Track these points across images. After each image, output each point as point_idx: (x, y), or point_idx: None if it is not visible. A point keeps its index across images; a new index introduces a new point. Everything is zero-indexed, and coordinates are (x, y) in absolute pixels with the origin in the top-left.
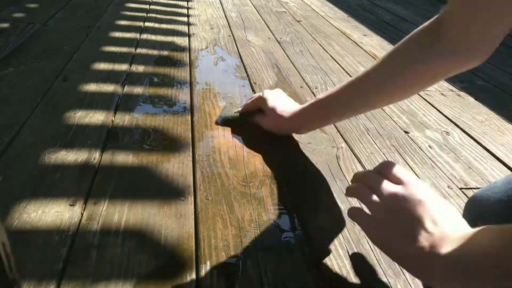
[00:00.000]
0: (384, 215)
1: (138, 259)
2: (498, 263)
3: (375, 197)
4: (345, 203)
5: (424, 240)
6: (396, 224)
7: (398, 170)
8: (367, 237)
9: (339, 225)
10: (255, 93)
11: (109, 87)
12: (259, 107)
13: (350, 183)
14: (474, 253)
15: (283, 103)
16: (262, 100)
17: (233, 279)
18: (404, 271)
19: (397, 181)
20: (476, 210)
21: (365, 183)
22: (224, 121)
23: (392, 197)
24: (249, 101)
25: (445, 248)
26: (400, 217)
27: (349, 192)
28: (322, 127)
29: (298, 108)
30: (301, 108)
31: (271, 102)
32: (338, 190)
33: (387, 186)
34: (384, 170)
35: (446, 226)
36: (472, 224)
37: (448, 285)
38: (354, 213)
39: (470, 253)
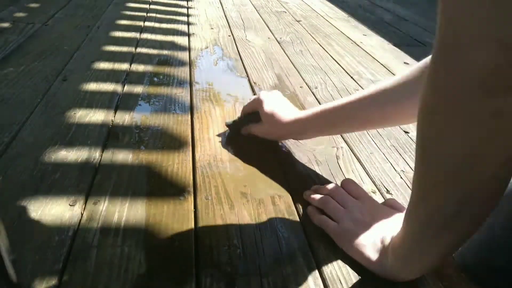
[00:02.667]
0: (353, 225)
1: (138, 259)
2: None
3: (341, 208)
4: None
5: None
6: (363, 235)
7: (357, 187)
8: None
9: None
10: (254, 93)
11: (109, 87)
12: (256, 109)
13: None
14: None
15: (280, 107)
16: (258, 102)
17: (233, 280)
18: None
19: (356, 196)
20: None
21: (331, 195)
22: (228, 127)
23: (358, 209)
24: (247, 104)
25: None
26: (366, 229)
27: (314, 201)
28: (323, 136)
29: (299, 115)
30: (303, 115)
31: (267, 107)
32: None
33: (352, 199)
34: (346, 186)
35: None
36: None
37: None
38: (322, 221)
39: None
